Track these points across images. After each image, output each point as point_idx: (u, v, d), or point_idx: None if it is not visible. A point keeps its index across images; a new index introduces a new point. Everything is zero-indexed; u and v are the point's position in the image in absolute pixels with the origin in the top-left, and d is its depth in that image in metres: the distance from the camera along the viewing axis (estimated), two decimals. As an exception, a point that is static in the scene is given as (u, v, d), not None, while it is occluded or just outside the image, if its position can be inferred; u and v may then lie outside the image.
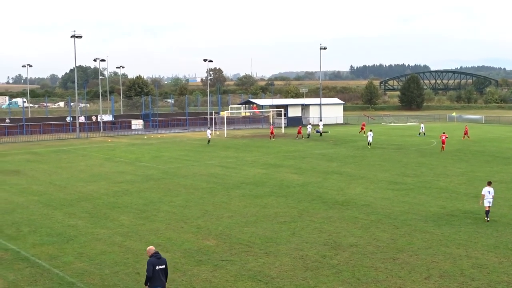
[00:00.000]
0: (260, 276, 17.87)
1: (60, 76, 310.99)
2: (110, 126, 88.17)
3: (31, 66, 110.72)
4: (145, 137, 74.14)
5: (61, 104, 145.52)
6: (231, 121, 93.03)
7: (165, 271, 14.62)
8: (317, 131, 76.00)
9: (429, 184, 34.67)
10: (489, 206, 25.09)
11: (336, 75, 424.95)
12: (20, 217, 26.58)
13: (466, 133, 65.71)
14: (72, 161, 47.73)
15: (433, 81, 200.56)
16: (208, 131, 65.87)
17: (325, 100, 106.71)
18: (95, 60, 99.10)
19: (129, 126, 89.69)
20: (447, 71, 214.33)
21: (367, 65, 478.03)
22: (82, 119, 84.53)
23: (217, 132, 73.53)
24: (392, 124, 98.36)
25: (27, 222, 25.45)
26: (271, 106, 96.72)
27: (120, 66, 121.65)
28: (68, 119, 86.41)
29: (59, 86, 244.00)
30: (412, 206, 28.19)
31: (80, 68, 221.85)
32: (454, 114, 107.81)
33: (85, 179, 37.78)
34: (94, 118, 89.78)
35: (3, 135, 76.19)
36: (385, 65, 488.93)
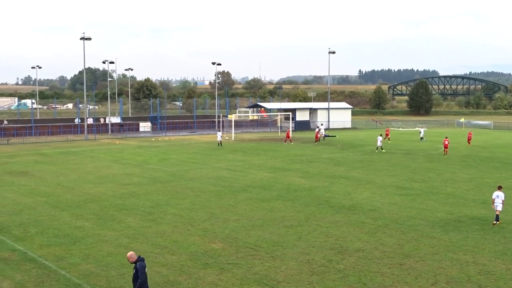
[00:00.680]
0: (266, 280, 17.87)
1: (69, 77, 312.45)
2: (118, 128, 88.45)
3: (40, 67, 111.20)
4: (153, 139, 74.29)
5: (70, 105, 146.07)
6: (239, 124, 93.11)
7: None
8: (325, 136, 75.82)
9: (437, 189, 34.55)
10: (499, 211, 25.19)
11: (344, 80, 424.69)
12: (28, 218, 26.70)
13: (469, 139, 64.94)
14: (80, 163, 47.90)
15: (441, 87, 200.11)
16: (219, 134, 66.04)
17: (333, 105, 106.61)
18: (104, 62, 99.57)
19: (137, 129, 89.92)
20: (456, 77, 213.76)
21: (376, 70, 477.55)
22: (90, 121, 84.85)
23: (226, 137, 73.54)
24: (400, 129, 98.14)
25: (34, 223, 25.55)
26: (279, 110, 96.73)
27: (129, 69, 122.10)
28: (76, 120, 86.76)
29: (68, 88, 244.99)
30: (419, 211, 28.10)
31: (89, 70, 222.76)
32: (462, 119, 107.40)
33: (93, 180, 37.89)
34: (102, 120, 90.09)
35: (11, 136, 76.57)
36: (394, 70, 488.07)
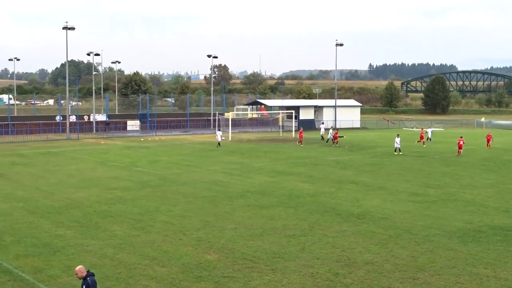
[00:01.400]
0: (266, 295, 17.82)
1: (50, 71, 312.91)
2: (103, 126, 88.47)
3: (18, 59, 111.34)
4: (142, 139, 74.30)
5: (51, 101, 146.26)
6: (236, 123, 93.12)
7: None
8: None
9: (454, 196, 34.53)
10: None
11: (353, 75, 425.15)
12: (3, 225, 26.64)
13: (488, 142, 63.90)
14: (61, 165, 47.86)
15: (460, 83, 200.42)
16: (219, 133, 66.19)
17: (340, 102, 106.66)
18: (88, 54, 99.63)
19: (125, 127, 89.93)
20: (476, 72, 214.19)
21: (388, 64, 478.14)
22: (73, 118, 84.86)
23: (222, 137, 73.50)
24: (415, 129, 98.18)
25: (10, 231, 25.50)
26: (281, 108, 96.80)
27: (116, 61, 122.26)
28: (57, 118, 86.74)
29: (48, 82, 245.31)
30: (435, 220, 28.06)
31: (72, 63, 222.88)
32: (483, 119, 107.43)
33: (75, 184, 37.86)
34: (86, 118, 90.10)
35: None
36: (408, 64, 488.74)
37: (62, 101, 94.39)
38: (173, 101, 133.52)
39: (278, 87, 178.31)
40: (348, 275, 19.79)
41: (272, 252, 22.32)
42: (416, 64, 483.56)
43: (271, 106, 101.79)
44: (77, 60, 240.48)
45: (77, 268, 14.44)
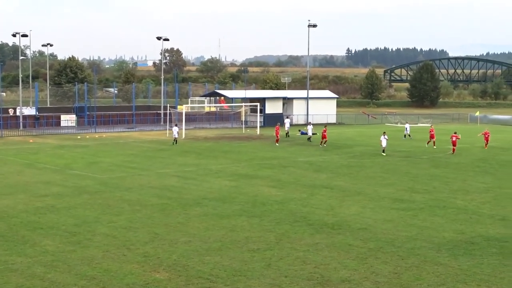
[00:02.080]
0: (225, 320, 17.88)
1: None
2: (32, 122, 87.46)
3: None
4: (79, 137, 73.68)
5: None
6: (191, 118, 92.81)
7: None
8: (302, 133, 76.30)
9: (444, 202, 35.02)
10: None
11: (328, 61, 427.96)
12: None
13: (487, 140, 64.10)
14: (-18, 168, 47.22)
15: (451, 71, 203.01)
16: (175, 129, 66.38)
17: (313, 93, 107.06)
18: (14, 36, 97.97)
19: (58, 123, 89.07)
20: (469, 58, 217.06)
21: (369, 49, 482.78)
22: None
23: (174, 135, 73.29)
24: (399, 124, 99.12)
25: None
26: (244, 100, 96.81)
27: (47, 44, 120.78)
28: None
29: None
30: (421, 230, 28.44)
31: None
32: (477, 113, 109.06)
33: (-2, 191, 37.42)
34: (11, 112, 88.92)
35: None
36: (392, 49, 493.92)
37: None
38: (116, 91, 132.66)
39: (240, 76, 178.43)
40: (321, 295, 19.94)
41: (233, 269, 22.36)
42: (401, 49, 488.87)
43: (232, 98, 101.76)
44: (0, 43, 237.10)
45: None
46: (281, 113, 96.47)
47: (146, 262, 23.24)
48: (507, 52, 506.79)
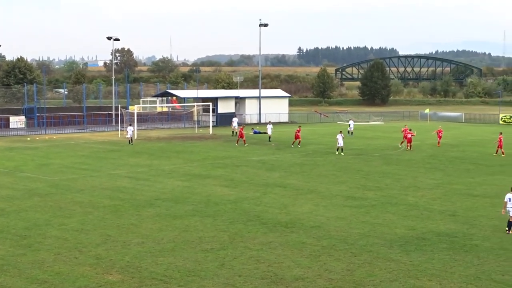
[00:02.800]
0: (179, 321, 17.82)
1: None
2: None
3: None
4: (29, 138, 72.66)
5: None
6: (143, 118, 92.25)
7: None
8: (255, 132, 76.42)
9: (395, 199, 35.45)
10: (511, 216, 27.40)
11: (280, 60, 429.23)
12: None
13: (439, 138, 64.17)
14: None
15: (401, 69, 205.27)
16: (130, 129, 66.52)
17: (265, 92, 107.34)
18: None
19: (7, 124, 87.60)
20: (419, 57, 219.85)
21: (320, 48, 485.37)
22: None
23: (126, 135, 72.83)
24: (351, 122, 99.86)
25: None
26: (196, 100, 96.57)
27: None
28: None
29: None
30: (373, 227, 28.74)
31: None
32: (427, 111, 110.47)
33: None
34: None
35: None
36: (343, 48, 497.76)
37: None
38: (66, 92, 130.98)
39: (192, 75, 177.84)
40: (275, 293, 20.01)
41: (186, 270, 22.31)
42: (352, 48, 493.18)
43: (184, 98, 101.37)
44: None
45: None
46: (234, 113, 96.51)
47: (99, 264, 23.04)
48: (455, 50, 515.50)
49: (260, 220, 30.03)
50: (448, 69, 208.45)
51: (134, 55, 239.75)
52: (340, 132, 58.91)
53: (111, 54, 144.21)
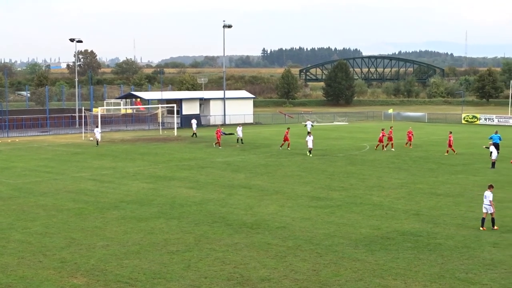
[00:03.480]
0: (145, 323, 17.76)
1: None
2: None
3: None
4: (-9, 142, 71.79)
5: None
6: (107, 120, 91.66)
7: None
8: (222, 133, 76.28)
9: (360, 199, 35.69)
10: (485, 213, 28.22)
11: (244, 61, 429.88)
12: None
13: (410, 139, 63.55)
14: None
15: (365, 70, 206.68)
16: (97, 130, 66.81)
17: (230, 93, 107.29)
18: None
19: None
20: (382, 57, 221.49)
21: (284, 49, 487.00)
22: None
23: (90, 137, 72.37)
24: (315, 123, 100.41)
25: None
26: (160, 101, 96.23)
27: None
28: None
29: None
30: (339, 227, 28.90)
31: None
32: (390, 111, 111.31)
33: None
34: None
35: None
36: (307, 49, 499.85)
37: None
38: (28, 95, 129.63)
39: (156, 77, 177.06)
40: (241, 294, 20.03)
41: (152, 272, 22.24)
42: (316, 49, 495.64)
43: (148, 100, 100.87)
44: None
45: None
46: (199, 114, 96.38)
47: (63, 267, 22.87)
48: (418, 51, 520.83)
49: (226, 222, 30.03)
50: (411, 69, 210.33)
51: (97, 57, 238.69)
52: (309, 133, 58.66)
53: (74, 56, 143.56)
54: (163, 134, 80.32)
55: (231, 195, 36.89)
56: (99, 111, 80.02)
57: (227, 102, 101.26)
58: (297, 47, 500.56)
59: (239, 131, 68.11)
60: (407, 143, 63.14)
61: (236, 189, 38.87)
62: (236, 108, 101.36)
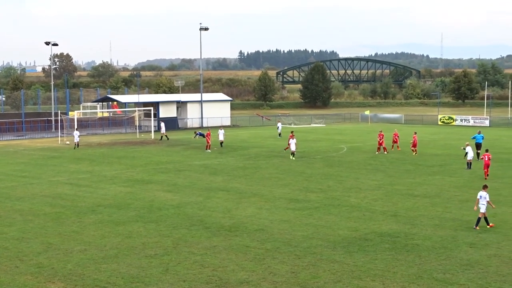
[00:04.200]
0: (123, 328, 17.70)
1: None
2: None
3: None
4: (-35, 146, 71.18)
5: None
6: (83, 124, 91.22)
7: None
8: (199, 134, 76.10)
9: (338, 201, 35.80)
10: (482, 213, 28.65)
11: (221, 64, 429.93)
12: None
13: (396, 141, 62.81)
14: None
15: (342, 72, 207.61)
16: (76, 133, 67.03)
17: (207, 96, 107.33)
18: None
19: None
20: (359, 59, 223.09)
21: (261, 51, 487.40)
22: None
23: (67, 141, 72.03)
24: (293, 125, 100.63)
25: None
26: (137, 104, 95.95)
27: None
28: None
29: None
30: (317, 229, 28.97)
31: None
32: (367, 112, 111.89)
33: None
34: None
35: None
36: (283, 51, 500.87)
37: None
38: (3, 98, 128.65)
39: (133, 80, 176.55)
40: (220, 297, 20.02)
41: (130, 276, 22.17)
42: (293, 51, 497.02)
43: (125, 103, 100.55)
44: None
45: None
46: (176, 117, 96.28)
47: (40, 273, 22.73)
48: (394, 53, 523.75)
49: (204, 225, 30.01)
50: (388, 71, 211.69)
51: (73, 60, 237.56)
52: (292, 136, 57.16)
53: (50, 59, 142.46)
54: (140, 138, 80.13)
55: (209, 198, 36.85)
56: (75, 114, 79.81)
57: (204, 104, 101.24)
58: (274, 50, 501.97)
59: (221, 134, 66.99)
60: (393, 146, 62.70)
61: (214, 192, 38.83)
62: (213, 111, 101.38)
